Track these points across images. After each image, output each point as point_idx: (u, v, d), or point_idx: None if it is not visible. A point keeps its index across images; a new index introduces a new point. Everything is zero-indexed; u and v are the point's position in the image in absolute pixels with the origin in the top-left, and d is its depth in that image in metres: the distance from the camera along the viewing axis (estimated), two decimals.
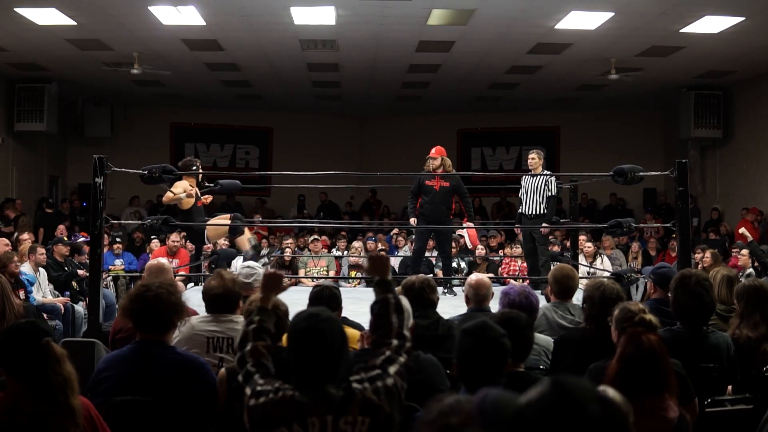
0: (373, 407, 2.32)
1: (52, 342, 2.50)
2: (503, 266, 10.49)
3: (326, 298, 3.74)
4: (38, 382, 2.42)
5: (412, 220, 8.10)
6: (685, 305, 3.71)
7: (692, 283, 3.71)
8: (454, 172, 7.94)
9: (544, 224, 7.89)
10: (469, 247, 10.48)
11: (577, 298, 4.45)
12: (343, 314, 4.02)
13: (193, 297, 4.90)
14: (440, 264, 8.81)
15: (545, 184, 7.96)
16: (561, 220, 8.86)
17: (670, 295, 3.89)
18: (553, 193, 8.00)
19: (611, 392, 1.78)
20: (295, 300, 3.74)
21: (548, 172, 8.29)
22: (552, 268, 4.66)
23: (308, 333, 2.36)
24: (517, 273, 10.20)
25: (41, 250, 7.93)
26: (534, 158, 8.10)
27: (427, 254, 11.09)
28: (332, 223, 12.92)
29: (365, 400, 2.32)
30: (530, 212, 8.05)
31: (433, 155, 7.94)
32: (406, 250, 11.55)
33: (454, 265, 10.37)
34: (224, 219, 7.28)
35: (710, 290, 3.80)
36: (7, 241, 8.21)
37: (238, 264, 7.71)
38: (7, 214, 12.05)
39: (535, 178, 8.02)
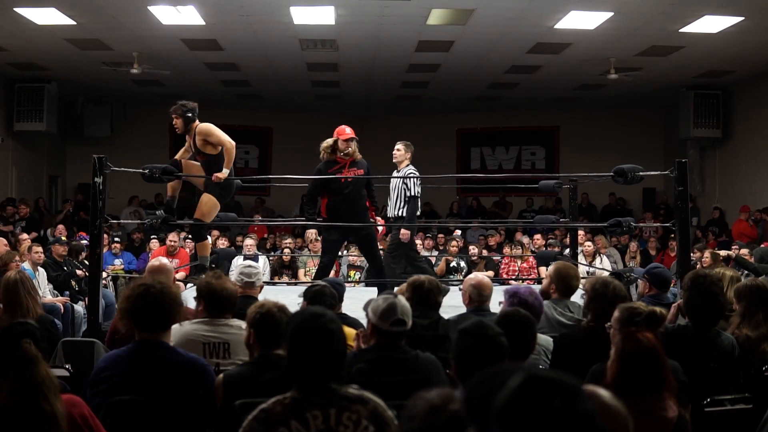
0: (382, 420, 2.26)
1: (27, 343, 2.52)
2: (503, 266, 10.49)
3: (326, 296, 3.75)
4: (17, 383, 2.46)
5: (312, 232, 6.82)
6: (698, 305, 3.75)
7: (706, 284, 3.75)
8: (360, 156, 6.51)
9: (403, 229, 6.75)
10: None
11: (575, 296, 4.47)
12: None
13: (192, 297, 4.89)
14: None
15: (405, 183, 6.80)
16: (560, 219, 8.83)
17: (681, 294, 3.95)
18: (414, 193, 6.83)
19: (603, 393, 1.78)
20: (295, 300, 3.74)
21: (413, 169, 7.01)
22: (551, 266, 4.62)
23: (317, 334, 2.31)
24: (517, 273, 10.21)
25: (37, 249, 7.92)
26: (400, 149, 6.96)
27: (425, 254, 11.08)
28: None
29: (376, 411, 2.28)
30: (391, 214, 6.99)
31: (348, 135, 6.44)
32: None
33: (453, 264, 10.29)
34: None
35: (723, 292, 3.87)
36: (5, 240, 8.20)
37: (237, 263, 7.70)
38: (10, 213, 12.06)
39: (399, 174, 6.90)
